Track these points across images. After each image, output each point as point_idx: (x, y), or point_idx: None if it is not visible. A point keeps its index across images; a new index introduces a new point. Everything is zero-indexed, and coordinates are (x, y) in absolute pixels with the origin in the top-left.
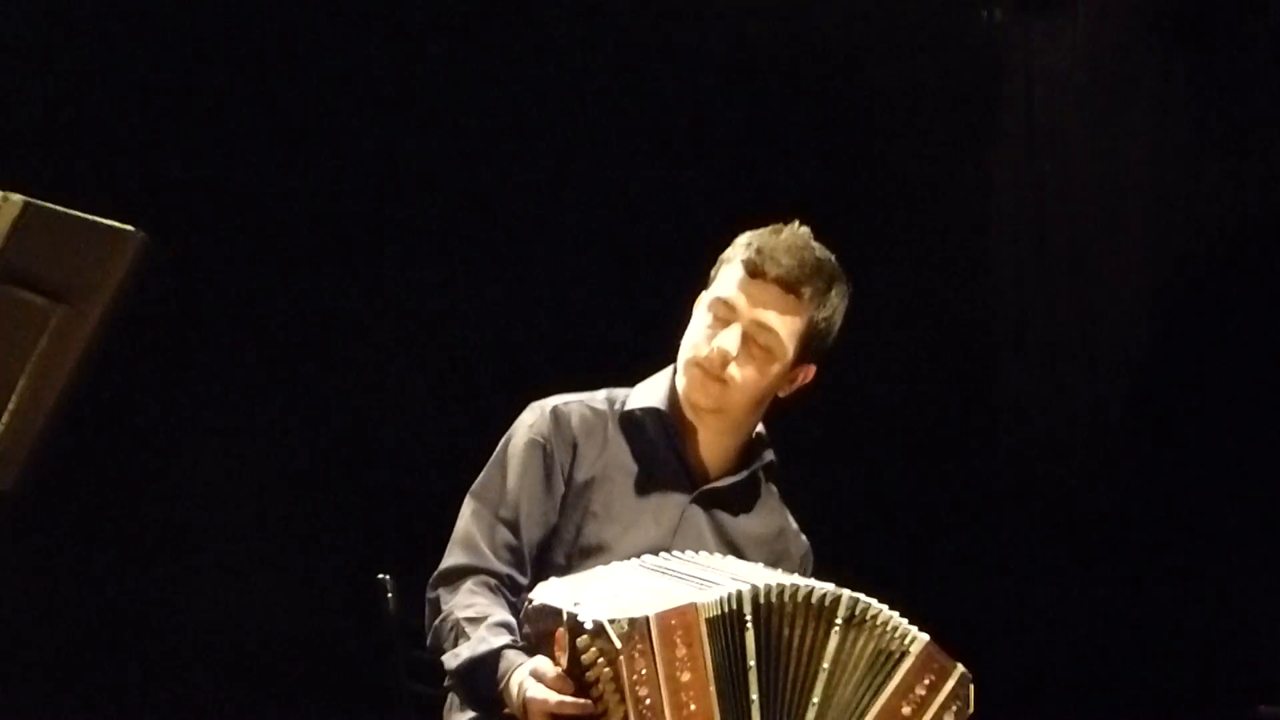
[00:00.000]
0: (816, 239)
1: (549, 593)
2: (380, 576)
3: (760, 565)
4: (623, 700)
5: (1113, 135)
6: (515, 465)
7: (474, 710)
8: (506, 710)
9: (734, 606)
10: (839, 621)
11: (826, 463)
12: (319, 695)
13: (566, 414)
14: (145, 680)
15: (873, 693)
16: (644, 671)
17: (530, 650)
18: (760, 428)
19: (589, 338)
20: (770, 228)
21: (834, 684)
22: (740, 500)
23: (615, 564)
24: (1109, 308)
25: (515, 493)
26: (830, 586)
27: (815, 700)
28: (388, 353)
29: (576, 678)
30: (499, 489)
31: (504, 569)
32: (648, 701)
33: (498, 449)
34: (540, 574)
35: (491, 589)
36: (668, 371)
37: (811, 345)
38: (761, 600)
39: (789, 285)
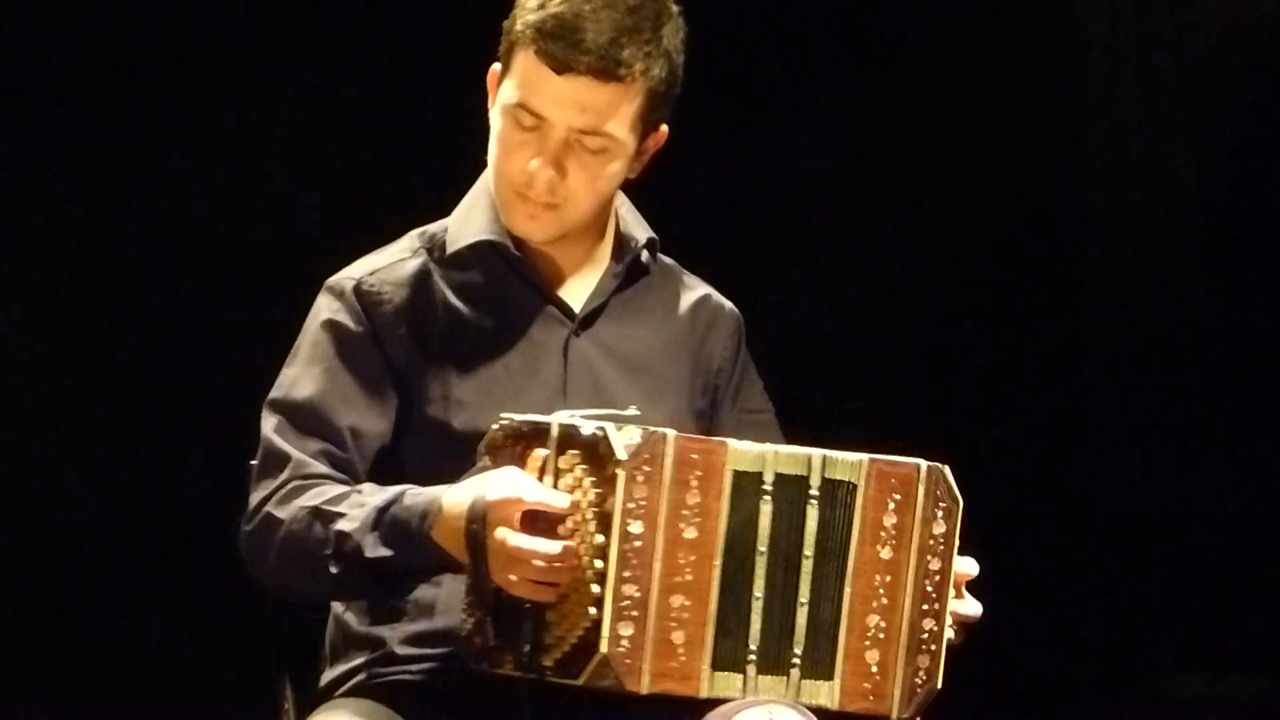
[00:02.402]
0: None
1: (527, 415)
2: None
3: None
4: (606, 530)
5: None
6: (318, 358)
7: (388, 597)
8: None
9: (760, 467)
10: (814, 492)
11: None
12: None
13: (373, 289)
14: None
15: (840, 558)
16: (644, 501)
17: None
18: (620, 202)
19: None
20: None
21: (817, 574)
22: (630, 304)
23: None
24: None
25: (324, 392)
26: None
27: (804, 600)
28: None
29: None
30: (299, 391)
31: (336, 475)
32: (638, 544)
33: (293, 349)
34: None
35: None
36: (481, 188)
37: (655, 113)
38: (784, 469)
39: (607, 72)
